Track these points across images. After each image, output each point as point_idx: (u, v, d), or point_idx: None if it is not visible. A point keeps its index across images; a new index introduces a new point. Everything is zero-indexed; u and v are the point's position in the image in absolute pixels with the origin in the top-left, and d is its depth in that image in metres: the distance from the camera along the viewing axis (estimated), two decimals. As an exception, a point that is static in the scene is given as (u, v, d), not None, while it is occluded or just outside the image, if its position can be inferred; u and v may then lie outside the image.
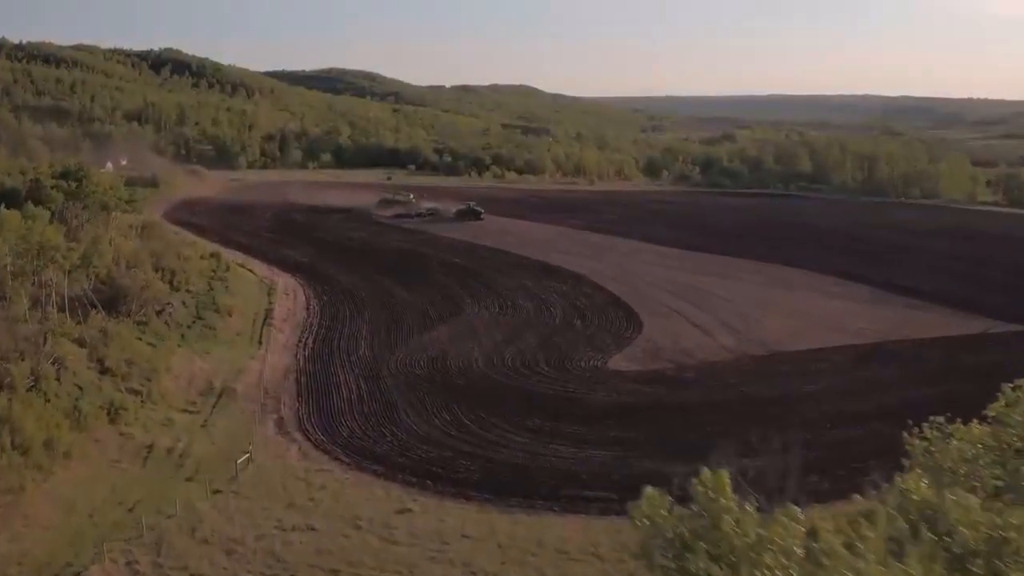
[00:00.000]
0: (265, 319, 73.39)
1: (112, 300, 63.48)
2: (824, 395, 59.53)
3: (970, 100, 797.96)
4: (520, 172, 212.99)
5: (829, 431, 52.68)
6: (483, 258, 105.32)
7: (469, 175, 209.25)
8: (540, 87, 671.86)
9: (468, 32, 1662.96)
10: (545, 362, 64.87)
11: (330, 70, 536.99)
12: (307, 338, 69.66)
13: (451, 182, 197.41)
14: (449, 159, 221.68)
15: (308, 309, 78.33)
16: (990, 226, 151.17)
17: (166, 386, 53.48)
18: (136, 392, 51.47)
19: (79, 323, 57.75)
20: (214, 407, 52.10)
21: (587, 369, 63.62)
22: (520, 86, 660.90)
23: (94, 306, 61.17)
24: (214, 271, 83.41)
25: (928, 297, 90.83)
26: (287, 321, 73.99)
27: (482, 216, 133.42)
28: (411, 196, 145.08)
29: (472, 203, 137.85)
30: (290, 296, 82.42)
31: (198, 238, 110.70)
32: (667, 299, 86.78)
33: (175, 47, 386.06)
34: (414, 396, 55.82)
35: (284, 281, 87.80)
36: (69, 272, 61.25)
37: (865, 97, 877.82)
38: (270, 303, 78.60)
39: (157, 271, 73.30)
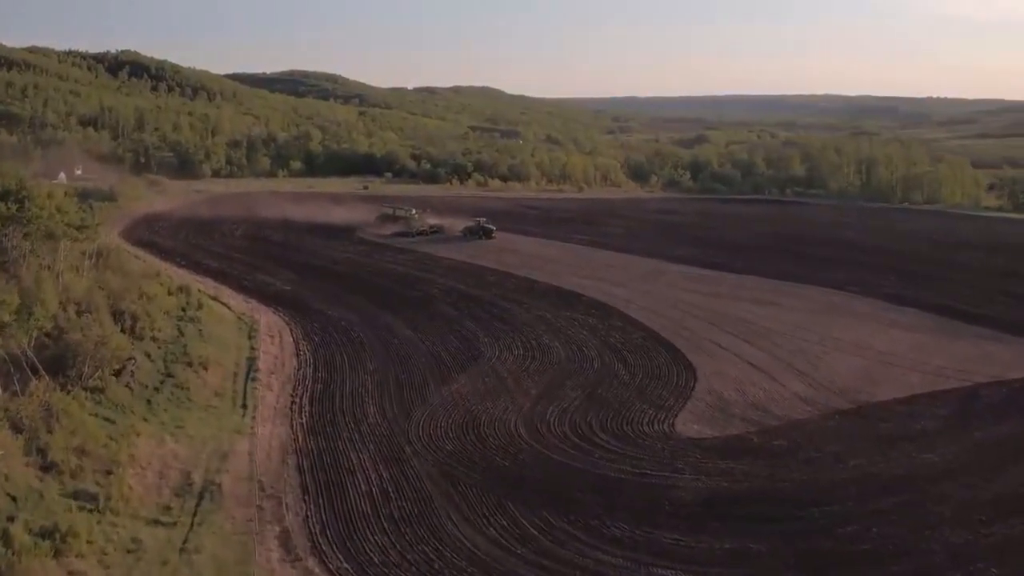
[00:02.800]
0: (248, 372, 60.42)
1: (59, 359, 50.24)
2: (952, 469, 48.17)
3: (931, 99, 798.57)
4: (504, 179, 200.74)
5: (987, 527, 41.10)
6: (489, 283, 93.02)
7: (451, 183, 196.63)
8: (502, 88, 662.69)
9: (428, 33, 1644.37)
10: (600, 427, 52.77)
11: (291, 72, 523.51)
12: (302, 397, 56.91)
13: (432, 191, 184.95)
14: (428, 166, 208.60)
15: (298, 356, 65.45)
16: (1017, 236, 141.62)
17: (130, 485, 40.54)
18: (91, 498, 38.52)
19: (15, 395, 44.64)
20: (195, 516, 39.19)
21: (654, 436, 51.58)
22: (483, 87, 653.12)
23: (35, 370, 48.03)
24: (184, 310, 70.19)
25: (995, 324, 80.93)
26: (275, 374, 61.12)
27: (494, 235, 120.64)
28: (413, 211, 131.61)
29: (482, 219, 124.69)
30: (275, 339, 69.50)
31: (162, 262, 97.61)
32: (710, 332, 75.32)
33: (133, 49, 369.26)
34: (453, 488, 43.32)
35: (266, 319, 74.81)
36: (2, 328, 48.12)
37: (826, 97, 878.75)
38: (252, 349, 65.64)
39: (115, 316, 60.13)
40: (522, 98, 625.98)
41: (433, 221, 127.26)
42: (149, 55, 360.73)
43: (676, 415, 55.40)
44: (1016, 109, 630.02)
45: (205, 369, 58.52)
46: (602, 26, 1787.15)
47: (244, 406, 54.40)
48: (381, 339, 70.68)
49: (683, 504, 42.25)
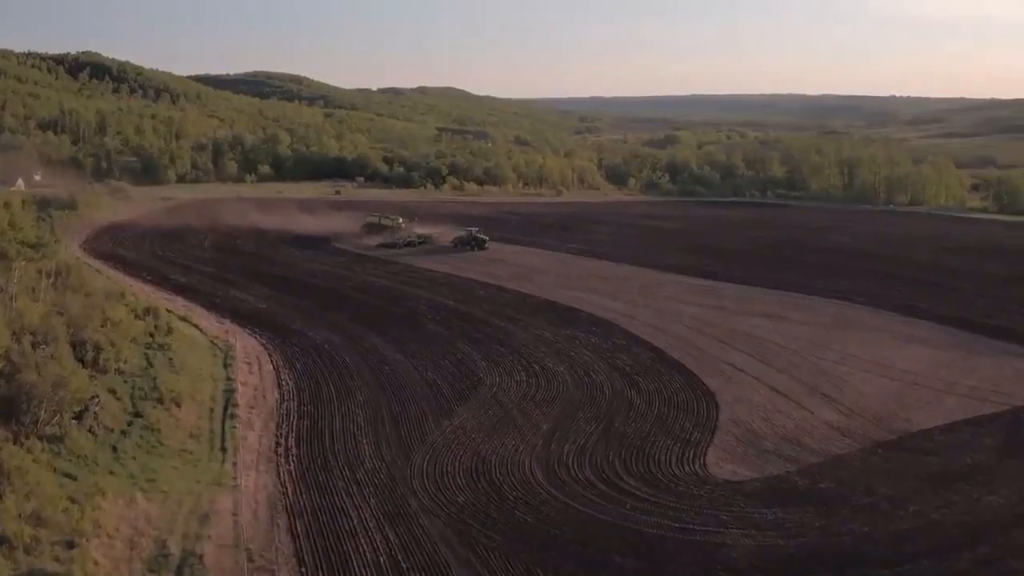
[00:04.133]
0: (226, 408, 54.27)
1: (10, 402, 43.94)
2: (1020, 514, 43.16)
3: (894, 98, 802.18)
4: (480, 183, 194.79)
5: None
6: (479, 298, 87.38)
7: (425, 187, 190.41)
8: (467, 89, 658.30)
9: (391, 33, 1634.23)
10: (625, 469, 47.28)
11: (255, 73, 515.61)
12: (287, 437, 50.85)
13: (407, 195, 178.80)
14: (401, 169, 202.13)
15: (280, 387, 59.30)
16: (1012, 239, 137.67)
17: (95, 560, 34.39)
18: (48, 580, 32.44)
19: (-41, 450, 38.42)
20: (173, 599, 33.18)
21: (687, 480, 46.10)
22: (447, 88, 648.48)
23: (-17, 417, 41.82)
24: (152, 335, 63.87)
25: (1017, 338, 76.52)
26: (256, 409, 54.98)
27: (487, 245, 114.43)
28: (400, 220, 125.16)
29: (474, 229, 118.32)
30: (253, 366, 63.31)
31: (127, 278, 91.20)
32: (722, 352, 70.21)
33: (94, 50, 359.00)
34: (472, 553, 37.51)
35: (242, 343, 68.58)
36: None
37: (788, 96, 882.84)
38: (229, 380, 59.45)
39: (75, 346, 53.78)
40: (488, 99, 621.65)
41: (421, 231, 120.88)
42: (110, 56, 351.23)
43: (705, 452, 50.09)
44: (981, 107, 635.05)
45: (178, 406, 52.33)
46: (565, 27, 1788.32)
47: (223, 449, 48.30)
48: (369, 365, 64.80)
49: (738, 568, 36.77)
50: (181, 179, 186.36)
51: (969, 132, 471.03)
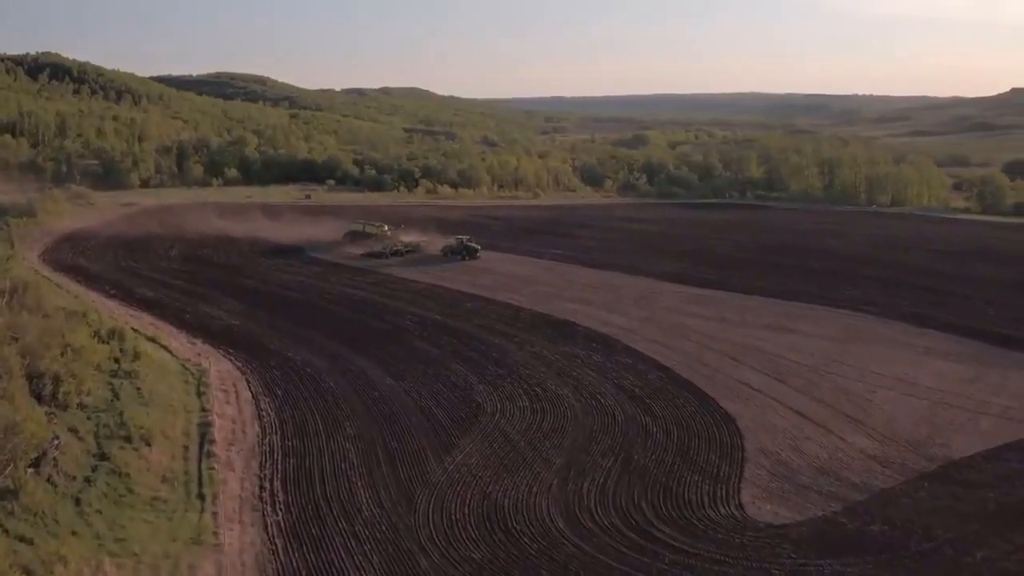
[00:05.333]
0: (202, 445, 48.67)
1: (-43, 451, 38.28)
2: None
3: (857, 96, 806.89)
4: (454, 186, 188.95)
5: None
6: (468, 311, 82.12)
7: (398, 190, 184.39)
8: (431, 89, 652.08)
9: (353, 33, 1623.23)
10: (654, 512, 42.39)
11: (219, 74, 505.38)
12: (272, 479, 45.41)
13: (380, 199, 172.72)
14: (373, 172, 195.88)
15: (260, 418, 53.75)
16: (1002, 242, 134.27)
17: (55, 652, 28.96)
18: None
19: None
20: None
21: (726, 525, 41.26)
22: (411, 88, 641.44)
23: (-76, 471, 36.08)
24: (117, 362, 57.80)
25: (1036, 350, 72.22)
26: (235, 445, 49.44)
27: (479, 254, 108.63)
28: (385, 227, 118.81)
29: (464, 237, 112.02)
30: (230, 394, 57.64)
31: (89, 292, 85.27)
32: (734, 369, 65.66)
33: (54, 50, 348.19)
34: (497, 627, 32.37)
35: (217, 367, 62.77)
36: None
37: (752, 95, 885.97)
38: (204, 411, 53.77)
39: (31, 379, 47.94)
40: (453, 99, 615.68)
41: (407, 239, 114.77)
42: (71, 57, 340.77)
43: (739, 489, 45.37)
44: (945, 106, 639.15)
45: (148, 445, 46.64)
46: (527, 27, 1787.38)
47: (201, 496, 42.74)
48: (356, 390, 59.42)
49: (805, 641, 31.92)
50: (145, 183, 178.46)
51: (936, 130, 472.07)
